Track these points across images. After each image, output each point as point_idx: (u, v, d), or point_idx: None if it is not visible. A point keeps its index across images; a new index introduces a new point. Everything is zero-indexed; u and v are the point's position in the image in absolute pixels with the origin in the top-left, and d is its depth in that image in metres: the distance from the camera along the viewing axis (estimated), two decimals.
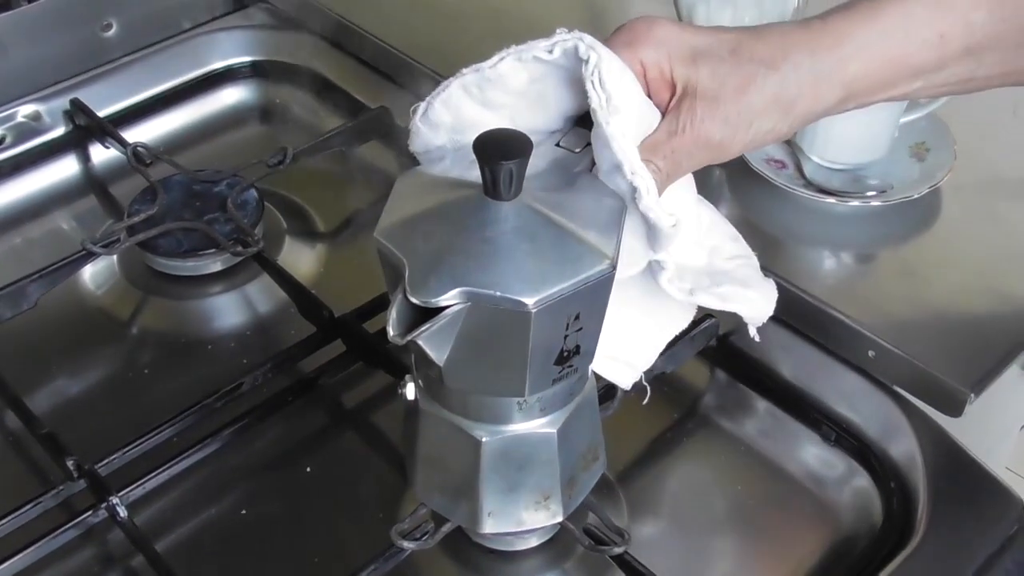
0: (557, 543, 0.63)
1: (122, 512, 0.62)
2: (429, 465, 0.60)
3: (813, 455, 0.69)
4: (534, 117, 0.56)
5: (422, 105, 0.56)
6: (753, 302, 0.60)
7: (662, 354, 0.69)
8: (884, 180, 0.75)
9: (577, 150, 0.56)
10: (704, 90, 0.52)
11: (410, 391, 0.58)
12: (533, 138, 0.51)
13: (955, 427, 0.67)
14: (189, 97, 0.97)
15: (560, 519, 0.59)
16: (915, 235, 0.75)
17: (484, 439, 0.56)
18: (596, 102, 0.51)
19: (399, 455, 0.69)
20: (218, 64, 0.99)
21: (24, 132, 0.91)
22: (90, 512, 0.62)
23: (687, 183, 0.58)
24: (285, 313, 0.77)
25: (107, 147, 0.90)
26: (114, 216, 0.87)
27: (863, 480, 0.67)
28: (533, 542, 0.63)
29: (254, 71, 0.99)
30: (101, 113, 0.91)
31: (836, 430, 0.69)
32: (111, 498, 0.62)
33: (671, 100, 0.54)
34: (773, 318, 0.71)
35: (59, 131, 0.92)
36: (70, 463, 0.63)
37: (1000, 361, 0.67)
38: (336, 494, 0.67)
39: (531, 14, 0.95)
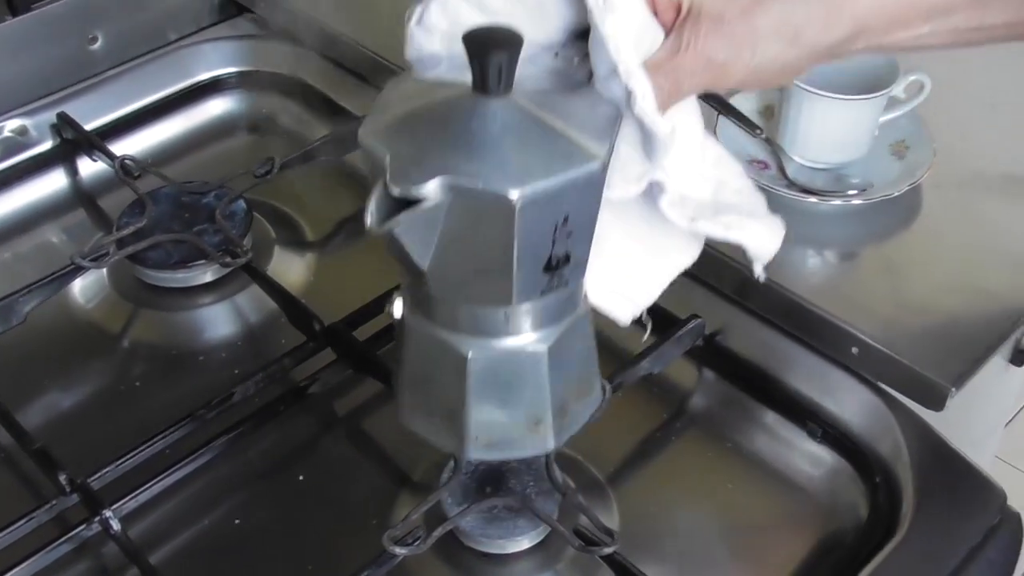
0: (548, 545, 0.64)
1: (115, 525, 0.63)
2: (415, 388, 0.57)
3: (800, 451, 0.70)
4: (533, 27, 0.52)
5: (418, 9, 0.53)
6: (758, 234, 0.57)
7: (649, 354, 0.70)
8: (865, 178, 0.76)
9: (575, 60, 0.53)
10: (709, 9, 0.51)
11: (397, 308, 0.56)
12: (532, 46, 0.50)
13: (940, 421, 0.67)
14: (176, 109, 0.97)
15: (551, 447, 0.57)
16: (897, 232, 0.76)
17: (470, 355, 0.53)
18: (592, 3, 0.49)
19: (391, 461, 0.70)
20: (204, 75, 0.99)
21: (11, 147, 0.91)
22: (84, 526, 0.63)
23: (694, 112, 0.57)
24: (275, 323, 0.78)
25: (95, 160, 0.90)
26: (103, 229, 0.87)
27: (849, 475, 0.68)
28: (524, 544, 0.64)
29: (241, 81, 1.00)
30: (88, 126, 0.92)
31: (822, 426, 0.70)
32: (104, 511, 0.63)
33: (675, 20, 0.52)
34: (759, 316, 0.73)
35: (46, 145, 0.92)
36: (62, 478, 0.64)
37: (981, 356, 0.67)
38: (329, 501, 0.67)
39: None
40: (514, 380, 0.55)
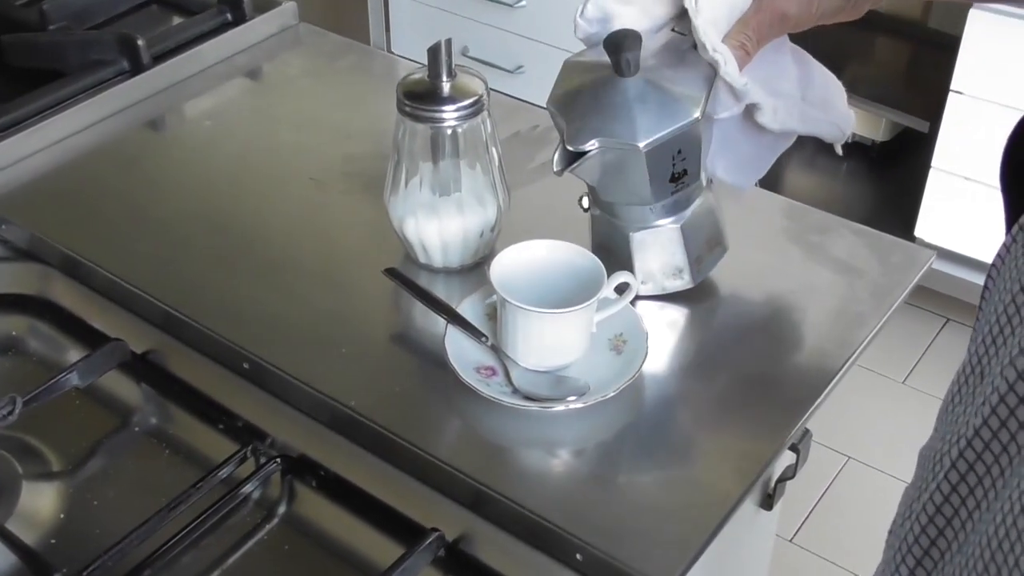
0: None
1: None
2: (602, 250, 0.85)
3: None
4: (658, 9, 0.80)
5: (579, 7, 0.81)
6: (829, 128, 0.84)
7: (395, 569, 0.73)
8: (586, 378, 0.80)
9: (685, 33, 0.80)
10: None
11: (585, 202, 0.87)
12: (656, 23, 0.80)
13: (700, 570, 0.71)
14: None
15: (691, 286, 0.87)
16: (616, 429, 0.80)
17: (631, 233, 0.84)
18: (688, 4, 0.76)
19: None
20: None
21: None
22: None
23: (784, 49, 0.83)
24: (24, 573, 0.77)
25: None
26: None
27: None
28: None
29: None
30: None
31: None
32: None
33: None
34: (501, 527, 0.76)
35: None
36: None
37: (695, 549, 0.72)
38: None
39: (250, 229, 0.98)
40: (661, 248, 0.85)
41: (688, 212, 0.84)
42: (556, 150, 0.78)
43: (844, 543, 1.90)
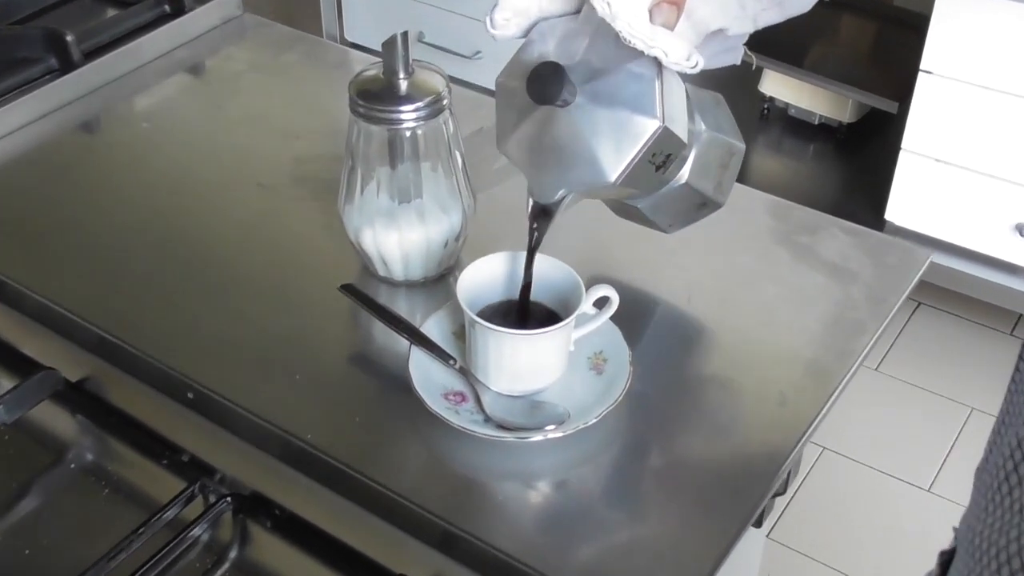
0: None
1: None
2: (620, 213, 0.82)
3: None
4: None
5: (487, 20, 0.72)
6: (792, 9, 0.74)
7: None
8: (565, 401, 0.74)
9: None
10: None
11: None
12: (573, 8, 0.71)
13: None
14: None
15: (723, 204, 0.81)
16: (601, 458, 0.73)
17: (640, 205, 0.78)
18: (601, 12, 0.65)
19: None
20: None
21: None
22: None
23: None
24: None
25: None
26: None
27: None
28: None
29: None
30: None
31: None
32: None
33: None
34: (473, 570, 0.70)
35: None
36: None
37: None
38: None
39: (194, 243, 0.91)
40: (677, 202, 0.79)
41: (689, 163, 0.76)
42: (528, 205, 0.72)
43: (822, 537, 1.85)
